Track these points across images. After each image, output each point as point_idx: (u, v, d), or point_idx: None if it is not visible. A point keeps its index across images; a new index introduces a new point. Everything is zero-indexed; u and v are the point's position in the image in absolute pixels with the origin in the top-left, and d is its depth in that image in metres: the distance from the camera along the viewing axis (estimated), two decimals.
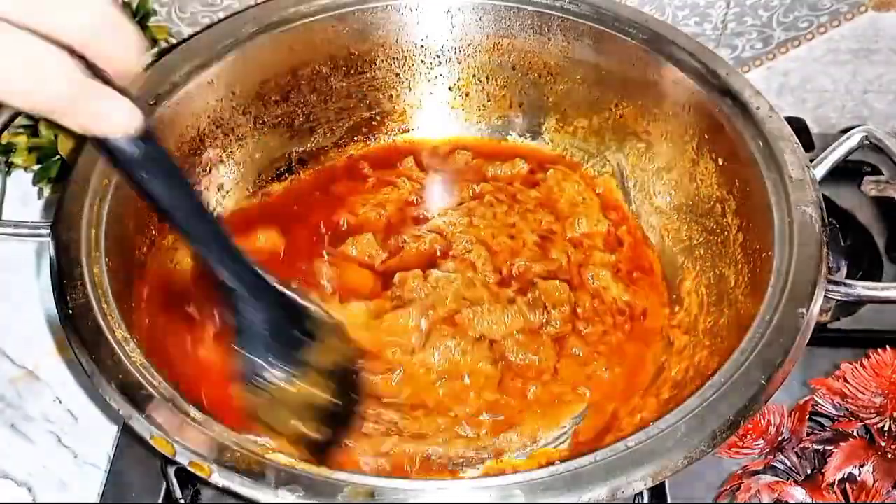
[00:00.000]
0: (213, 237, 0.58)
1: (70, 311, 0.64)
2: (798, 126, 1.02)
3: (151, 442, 0.58)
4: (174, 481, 0.74)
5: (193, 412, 0.59)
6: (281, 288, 0.63)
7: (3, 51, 0.43)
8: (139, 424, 0.58)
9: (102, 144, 0.49)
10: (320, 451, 0.64)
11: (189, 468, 0.56)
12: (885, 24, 1.00)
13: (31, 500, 0.78)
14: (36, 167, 0.91)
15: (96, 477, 0.78)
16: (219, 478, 0.55)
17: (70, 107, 0.46)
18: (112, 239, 0.69)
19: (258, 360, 0.62)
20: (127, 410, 0.59)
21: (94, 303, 0.64)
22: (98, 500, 0.76)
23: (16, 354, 0.87)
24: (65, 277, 0.66)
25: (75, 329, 0.63)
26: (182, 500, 0.75)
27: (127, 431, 0.79)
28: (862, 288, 0.68)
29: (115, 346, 0.62)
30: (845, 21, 0.99)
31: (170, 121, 0.78)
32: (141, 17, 0.92)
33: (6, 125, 0.75)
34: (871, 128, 0.76)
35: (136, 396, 0.59)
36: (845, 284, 0.67)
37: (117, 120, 0.48)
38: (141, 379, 0.60)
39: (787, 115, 1.03)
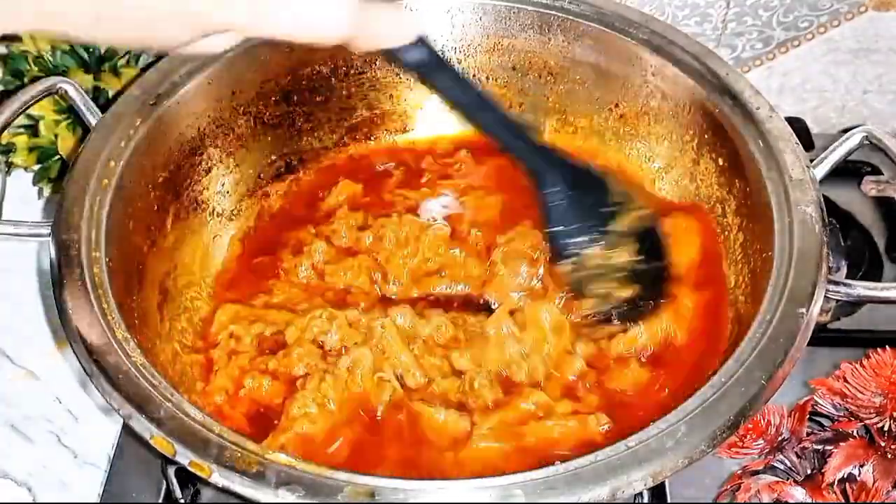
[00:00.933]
0: (502, 125, 0.66)
1: (69, 312, 0.64)
2: (798, 126, 1.02)
3: (151, 442, 0.58)
4: (174, 481, 0.74)
5: (193, 412, 0.59)
6: (576, 162, 0.70)
7: None
8: (139, 424, 0.58)
9: (391, 54, 0.58)
10: (638, 310, 0.72)
11: (189, 468, 0.56)
12: (885, 24, 1.00)
13: (31, 500, 0.78)
14: (36, 167, 0.91)
15: (96, 477, 0.78)
16: (219, 478, 0.56)
17: (357, 34, 0.52)
18: (112, 239, 0.69)
19: (568, 236, 0.69)
20: (127, 410, 0.59)
21: (94, 303, 0.64)
22: (98, 500, 0.76)
23: (16, 354, 0.87)
24: (65, 277, 0.66)
25: (75, 330, 0.63)
26: (182, 500, 0.75)
27: (127, 431, 0.79)
28: (862, 288, 0.68)
29: (115, 345, 0.62)
30: (845, 21, 0.99)
31: (170, 121, 0.78)
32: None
33: (6, 125, 0.75)
34: (872, 128, 0.76)
35: (136, 396, 0.59)
36: (845, 284, 0.67)
37: (400, 33, 0.56)
38: (141, 379, 0.60)
39: (787, 115, 1.03)
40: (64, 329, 0.64)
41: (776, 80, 1.04)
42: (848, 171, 0.98)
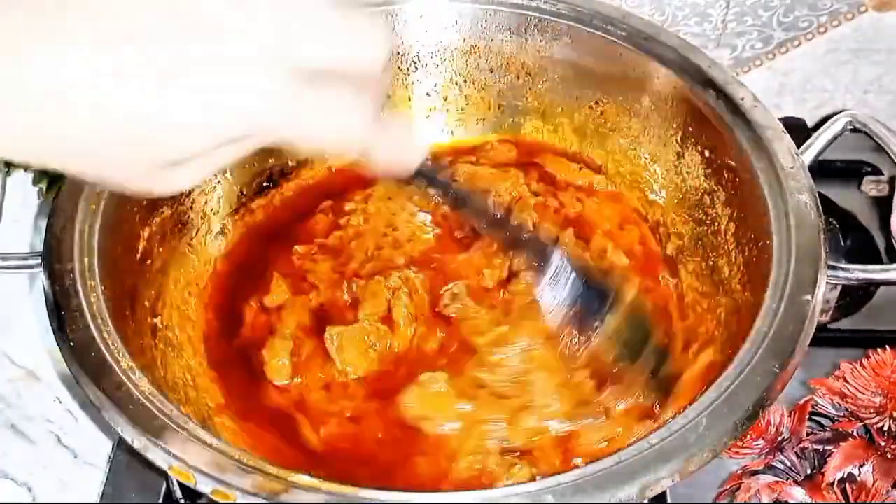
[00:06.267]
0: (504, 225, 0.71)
1: (72, 345, 0.63)
2: (798, 126, 1.03)
3: (170, 472, 0.57)
4: (174, 481, 0.74)
5: (209, 439, 0.58)
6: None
7: (314, 101, 0.45)
8: (156, 456, 0.57)
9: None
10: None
11: (212, 496, 0.56)
12: (885, 24, 1.00)
13: (31, 500, 0.78)
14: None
15: (96, 477, 0.78)
16: None
17: (366, 148, 0.50)
18: (105, 266, 0.68)
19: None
20: (142, 442, 0.58)
21: (95, 333, 0.63)
22: (98, 500, 0.76)
23: (16, 354, 0.87)
24: (62, 309, 0.64)
25: (80, 363, 0.62)
26: (182, 500, 0.75)
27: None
28: (860, 271, 0.69)
29: (122, 376, 0.61)
30: (845, 21, 0.99)
31: None
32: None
33: None
34: (855, 112, 0.76)
35: (150, 427, 0.58)
36: (843, 269, 0.68)
37: (406, 163, 0.55)
38: (153, 408, 0.59)
39: (787, 115, 1.04)
40: (66, 363, 0.63)
41: (776, 80, 1.04)
42: (848, 171, 0.98)
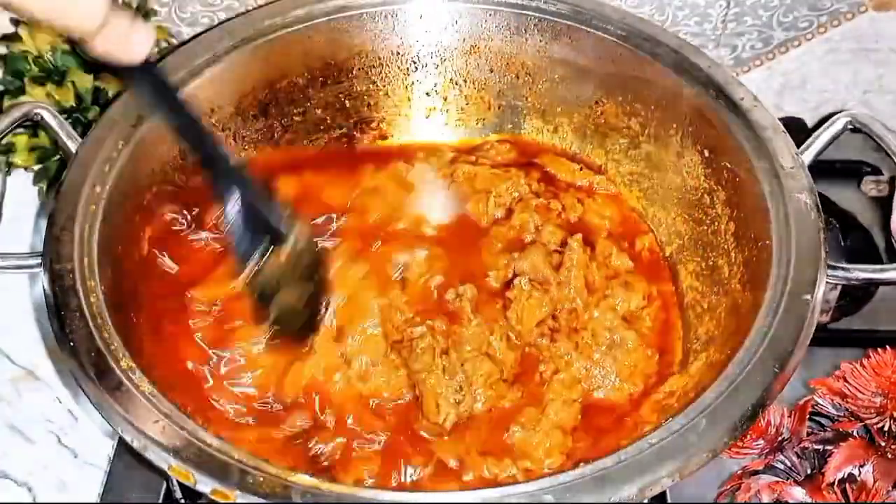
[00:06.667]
0: (209, 147, 0.70)
1: (72, 345, 0.63)
2: (798, 126, 1.03)
3: (170, 472, 0.57)
4: (174, 481, 0.74)
5: (210, 438, 0.58)
6: (254, 188, 0.72)
7: None
8: (156, 455, 0.58)
9: (124, 70, 0.62)
10: (296, 336, 0.75)
11: (211, 496, 0.56)
12: (885, 24, 0.99)
13: (31, 500, 0.78)
14: (36, 167, 0.91)
15: (96, 477, 0.78)
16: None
17: (98, 34, 0.56)
18: (104, 266, 0.68)
19: (242, 244, 0.71)
20: (141, 442, 0.58)
21: (95, 334, 0.63)
22: (98, 500, 0.76)
23: (16, 354, 0.87)
24: (62, 309, 0.64)
25: (80, 363, 0.62)
26: (182, 500, 0.75)
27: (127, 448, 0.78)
28: (860, 271, 0.69)
29: (122, 376, 0.61)
30: (845, 21, 0.99)
31: (151, 141, 0.77)
32: (141, 17, 0.92)
33: (8, 129, 0.74)
34: (855, 112, 0.76)
35: (150, 427, 0.58)
36: (843, 269, 0.68)
37: (137, 50, 0.60)
38: (153, 408, 0.60)
39: (787, 115, 1.04)
40: (67, 364, 0.63)
41: (776, 80, 1.04)
42: (848, 171, 0.99)
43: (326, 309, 0.77)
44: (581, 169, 0.90)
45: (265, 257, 0.71)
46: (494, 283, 0.81)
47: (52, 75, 0.89)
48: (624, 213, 0.88)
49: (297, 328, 0.76)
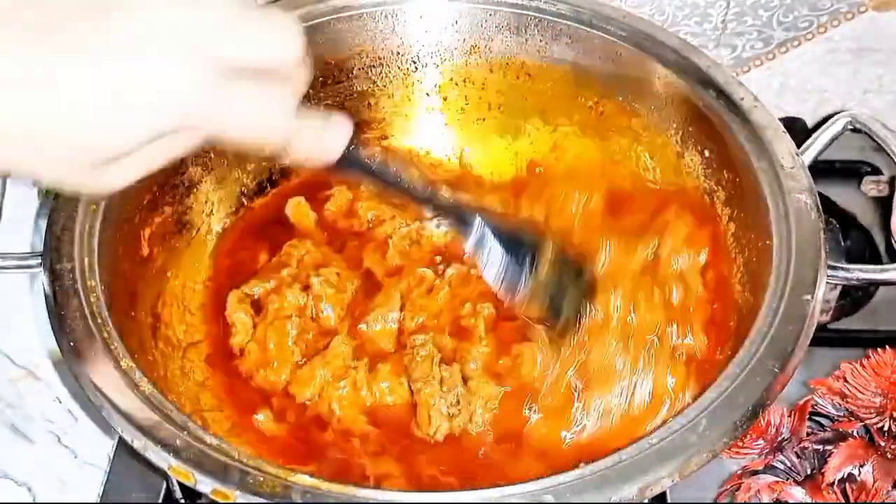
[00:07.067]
0: (431, 198, 0.71)
1: (72, 345, 0.63)
2: (798, 126, 1.03)
3: (170, 472, 0.57)
4: (174, 481, 0.74)
5: (209, 438, 0.58)
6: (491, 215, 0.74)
7: (235, 94, 0.46)
8: (156, 456, 0.57)
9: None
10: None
11: (211, 496, 0.55)
12: (885, 24, 0.99)
13: (31, 500, 0.78)
14: None
15: (96, 477, 0.78)
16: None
17: (287, 144, 0.52)
18: (105, 266, 0.68)
19: (508, 273, 0.73)
20: (142, 442, 0.58)
21: (95, 334, 0.63)
22: (98, 500, 0.76)
23: (16, 354, 0.87)
24: (62, 309, 0.64)
25: (80, 363, 0.62)
26: (182, 500, 0.75)
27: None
28: (860, 271, 0.69)
29: (121, 376, 0.61)
30: (845, 21, 0.99)
31: None
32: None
33: None
34: (855, 112, 0.76)
35: (150, 427, 0.58)
36: (843, 269, 0.68)
37: (331, 148, 0.56)
38: (153, 408, 0.59)
39: (787, 115, 1.04)
40: (67, 364, 0.62)
41: (776, 80, 1.04)
42: (848, 171, 0.99)
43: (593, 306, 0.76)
44: None
45: (533, 273, 0.73)
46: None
47: None
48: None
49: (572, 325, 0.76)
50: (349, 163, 0.59)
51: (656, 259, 0.77)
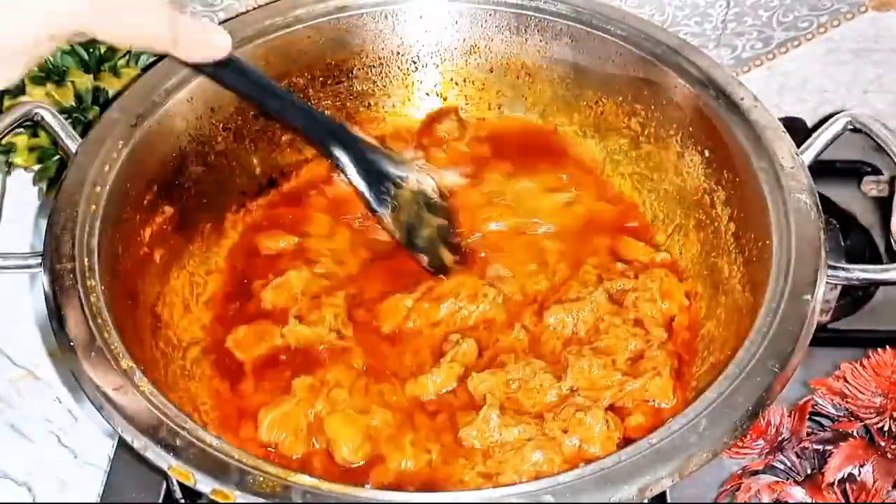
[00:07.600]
0: (310, 118, 0.78)
1: (72, 345, 0.63)
2: (798, 126, 1.03)
3: (170, 472, 0.57)
4: (174, 481, 0.74)
5: (209, 438, 0.58)
6: (364, 142, 0.81)
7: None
8: (156, 456, 0.57)
9: (212, 69, 0.69)
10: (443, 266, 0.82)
11: (211, 496, 0.56)
12: (885, 24, 1.00)
13: (31, 500, 0.78)
14: (36, 167, 0.91)
15: (96, 477, 0.78)
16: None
17: (172, 42, 0.60)
18: (105, 266, 0.68)
19: (371, 194, 0.80)
20: (142, 442, 0.58)
21: (95, 333, 0.63)
22: (98, 500, 0.76)
23: (16, 354, 0.87)
24: (63, 309, 0.64)
25: (80, 363, 0.62)
26: (182, 500, 0.75)
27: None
28: (860, 271, 0.69)
29: (122, 376, 0.61)
30: (845, 21, 0.99)
31: (152, 141, 0.77)
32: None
33: (8, 129, 0.74)
34: (855, 112, 0.76)
35: (150, 427, 0.58)
36: (843, 269, 0.68)
37: (213, 46, 0.65)
38: (153, 408, 0.59)
39: (786, 115, 1.04)
40: (67, 364, 0.63)
41: (776, 80, 1.04)
42: (848, 171, 0.99)
43: (459, 236, 0.83)
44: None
45: (395, 199, 0.79)
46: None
47: (52, 75, 0.89)
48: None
49: (440, 259, 0.82)
50: (233, 67, 0.68)
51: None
